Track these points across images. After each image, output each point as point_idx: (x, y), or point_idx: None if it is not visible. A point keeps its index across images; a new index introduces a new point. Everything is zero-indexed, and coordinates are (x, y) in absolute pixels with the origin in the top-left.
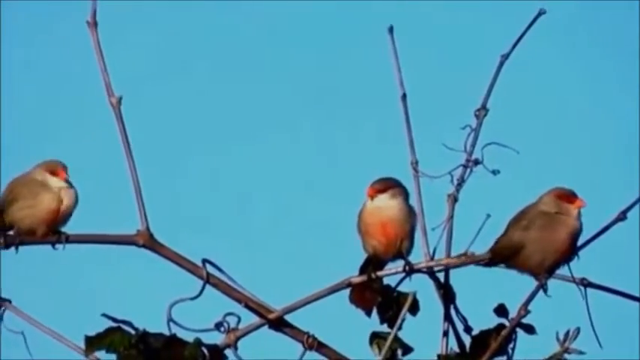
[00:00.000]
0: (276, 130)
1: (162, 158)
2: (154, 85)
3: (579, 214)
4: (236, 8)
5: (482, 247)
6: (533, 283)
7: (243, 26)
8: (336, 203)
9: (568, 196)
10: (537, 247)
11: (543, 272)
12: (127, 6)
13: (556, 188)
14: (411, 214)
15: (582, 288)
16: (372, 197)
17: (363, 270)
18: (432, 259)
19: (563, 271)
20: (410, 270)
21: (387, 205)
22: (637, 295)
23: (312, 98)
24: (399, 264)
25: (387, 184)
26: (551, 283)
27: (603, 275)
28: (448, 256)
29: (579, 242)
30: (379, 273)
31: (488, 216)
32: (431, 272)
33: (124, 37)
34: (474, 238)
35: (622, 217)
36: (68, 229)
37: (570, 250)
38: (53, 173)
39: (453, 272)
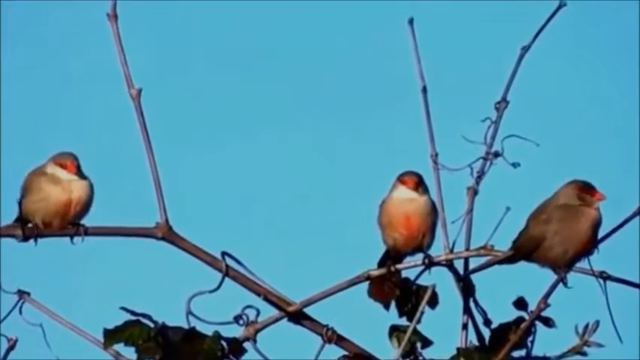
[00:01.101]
0: (298, 124)
1: (181, 150)
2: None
3: (598, 206)
4: (235, 3)
5: (501, 240)
6: (552, 276)
7: (243, 22)
8: (355, 196)
9: (588, 189)
10: (559, 238)
11: (565, 264)
12: (123, 5)
13: (575, 181)
14: (434, 209)
15: (602, 281)
16: (415, 188)
17: (381, 263)
18: (451, 252)
19: (582, 264)
20: (429, 263)
21: (415, 197)
22: None
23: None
24: (418, 257)
25: (420, 178)
26: (571, 276)
27: (623, 269)
28: (467, 248)
29: (599, 235)
30: (398, 266)
31: (508, 209)
32: (450, 265)
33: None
34: (493, 231)
35: None
36: (87, 221)
37: (591, 242)
38: (62, 166)
39: (472, 265)
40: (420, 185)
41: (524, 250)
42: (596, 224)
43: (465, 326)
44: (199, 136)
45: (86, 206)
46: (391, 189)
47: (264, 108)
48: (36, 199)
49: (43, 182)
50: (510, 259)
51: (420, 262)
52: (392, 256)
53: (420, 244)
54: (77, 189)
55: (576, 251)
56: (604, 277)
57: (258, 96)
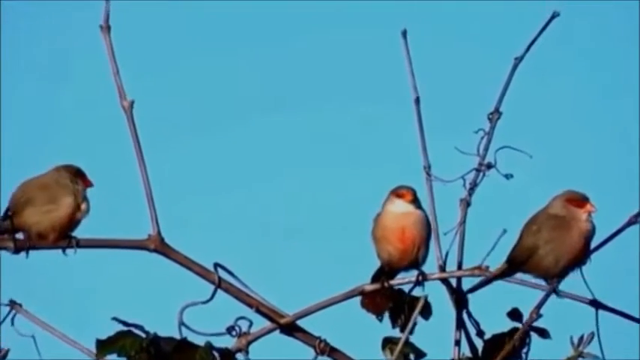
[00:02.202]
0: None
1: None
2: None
3: (590, 217)
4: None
5: (495, 259)
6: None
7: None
8: (348, 210)
9: (577, 200)
10: (550, 247)
11: (557, 274)
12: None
13: (566, 192)
14: (428, 223)
15: (594, 309)
16: (412, 201)
17: (375, 278)
18: (444, 267)
19: (575, 289)
20: (423, 280)
21: (411, 211)
22: None
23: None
24: (412, 273)
25: (415, 192)
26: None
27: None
28: (460, 261)
29: (592, 245)
30: (392, 282)
31: (505, 231)
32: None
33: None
34: (488, 252)
35: (634, 220)
36: (79, 233)
37: (583, 252)
38: (79, 178)
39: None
40: (415, 199)
41: (518, 260)
42: (587, 235)
43: (458, 338)
44: (191, 146)
45: (81, 221)
46: (385, 202)
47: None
48: (41, 210)
49: (56, 192)
50: (504, 273)
51: (414, 278)
52: (386, 272)
53: (415, 258)
54: (85, 204)
55: (568, 260)
56: (596, 305)
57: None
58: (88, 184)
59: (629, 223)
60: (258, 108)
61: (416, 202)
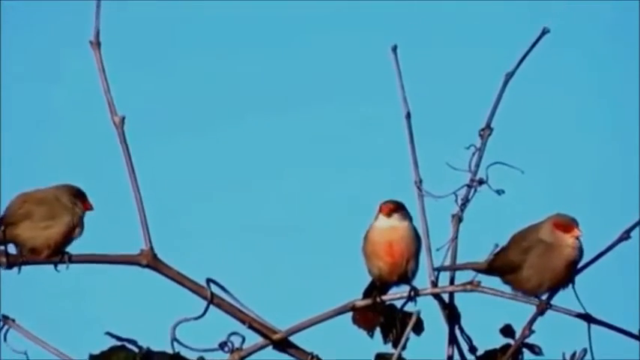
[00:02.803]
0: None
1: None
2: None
3: (578, 241)
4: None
5: None
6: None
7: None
8: (340, 226)
9: (564, 225)
10: (534, 271)
11: (540, 294)
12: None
13: (555, 216)
14: (417, 236)
15: (586, 324)
16: (388, 214)
17: (367, 294)
18: (436, 283)
19: (567, 302)
20: (415, 295)
21: (397, 225)
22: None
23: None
24: (404, 289)
25: (399, 205)
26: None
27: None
28: (452, 276)
29: (585, 260)
30: (383, 297)
31: (497, 246)
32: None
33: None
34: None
35: (625, 236)
36: (71, 249)
37: (566, 277)
38: (79, 199)
39: (457, 297)
40: (397, 212)
41: (499, 270)
42: (572, 262)
43: (450, 354)
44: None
45: (77, 238)
46: (374, 218)
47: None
48: (39, 226)
49: (56, 210)
50: (482, 271)
51: (405, 294)
52: (377, 287)
53: (405, 271)
54: (81, 225)
55: (551, 285)
56: (588, 319)
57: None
58: (87, 207)
59: (621, 239)
60: (254, 109)
61: (399, 215)
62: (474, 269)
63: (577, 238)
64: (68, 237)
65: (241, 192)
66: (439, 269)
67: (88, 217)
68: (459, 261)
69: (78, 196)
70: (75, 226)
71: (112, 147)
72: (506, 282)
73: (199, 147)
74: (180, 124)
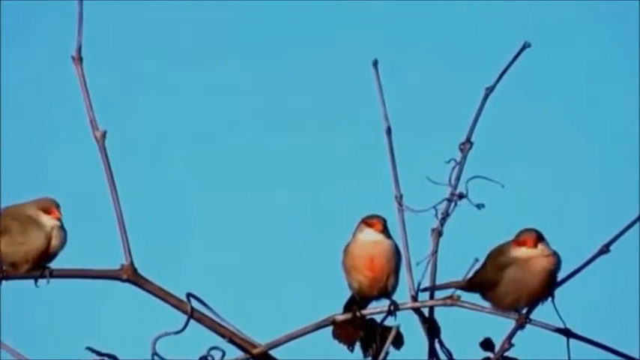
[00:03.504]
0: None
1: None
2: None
3: (550, 252)
4: (207, 19)
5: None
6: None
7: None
8: (320, 240)
9: (517, 240)
10: (511, 288)
11: (519, 309)
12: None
13: (518, 233)
14: (398, 252)
15: (565, 338)
16: (381, 230)
17: (347, 308)
18: (416, 297)
19: (547, 316)
20: (395, 309)
21: (380, 240)
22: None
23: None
24: (384, 303)
25: (384, 220)
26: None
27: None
28: (432, 295)
29: (565, 274)
30: (364, 312)
31: (477, 260)
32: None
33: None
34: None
35: (605, 250)
36: (53, 263)
37: (544, 291)
38: (46, 211)
39: (437, 311)
40: (385, 228)
41: (478, 288)
42: (546, 274)
43: None
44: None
45: (57, 254)
46: (355, 232)
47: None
48: (14, 242)
49: (26, 225)
50: (462, 288)
51: (385, 308)
52: (357, 301)
53: (385, 287)
54: (57, 237)
55: (529, 299)
56: (567, 334)
57: (206, 116)
58: (55, 216)
59: (600, 253)
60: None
61: (386, 231)
62: (456, 287)
63: (528, 248)
64: (45, 251)
65: (221, 207)
66: (422, 290)
67: (70, 232)
68: (439, 275)
69: (45, 208)
70: (49, 239)
71: (94, 161)
72: (485, 299)
73: (181, 161)
74: (169, 139)
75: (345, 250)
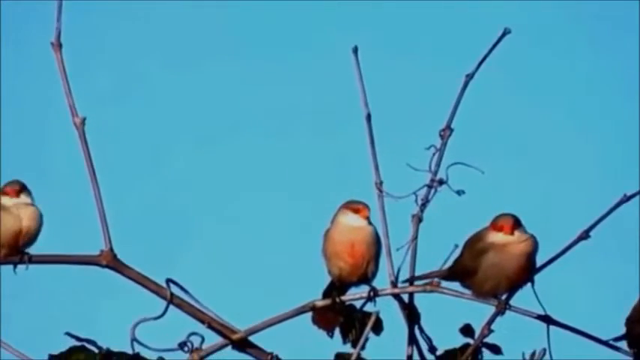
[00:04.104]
0: (238, 145)
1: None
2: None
3: (527, 237)
4: (191, 22)
5: None
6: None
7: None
8: (300, 224)
9: (495, 224)
10: (489, 274)
11: (499, 295)
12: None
13: (495, 218)
14: (378, 238)
15: (545, 325)
16: (368, 216)
17: (326, 294)
18: (396, 283)
19: (527, 303)
20: (374, 295)
21: (363, 226)
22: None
23: (274, 118)
24: (363, 289)
25: (367, 207)
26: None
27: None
28: (412, 276)
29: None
30: (343, 297)
31: (456, 246)
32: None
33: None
34: (440, 267)
35: (585, 236)
36: (31, 249)
37: (522, 276)
38: (5, 193)
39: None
40: (369, 214)
41: (457, 276)
42: (523, 258)
43: (410, 354)
44: (142, 159)
45: (35, 235)
46: (336, 216)
47: (206, 128)
48: None
49: None
50: (444, 278)
51: (365, 294)
52: (337, 287)
53: (365, 273)
54: (26, 216)
55: (508, 285)
56: (547, 321)
57: (202, 115)
58: (12, 194)
59: (580, 239)
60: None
61: (369, 217)
62: (437, 277)
63: (506, 234)
64: (19, 233)
65: (218, 205)
66: (404, 281)
67: (49, 217)
68: (419, 261)
69: (5, 191)
70: (19, 221)
71: (73, 147)
72: (466, 287)
73: (181, 161)
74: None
75: (326, 236)
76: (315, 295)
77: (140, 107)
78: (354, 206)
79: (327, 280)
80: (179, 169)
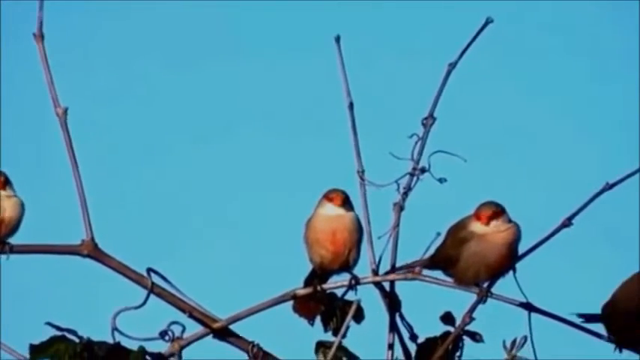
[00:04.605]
0: (218, 137)
1: (108, 168)
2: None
3: (510, 225)
4: (175, 16)
5: None
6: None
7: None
8: (281, 212)
9: (478, 214)
10: (470, 263)
11: (477, 283)
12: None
13: (478, 206)
14: (360, 226)
15: (527, 312)
16: (341, 204)
17: (308, 282)
18: (377, 271)
19: (509, 291)
20: (356, 284)
21: (342, 214)
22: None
23: (255, 107)
24: (344, 277)
25: (347, 195)
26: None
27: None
28: (394, 265)
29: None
30: (324, 286)
31: (438, 234)
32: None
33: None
34: (421, 256)
35: (567, 223)
36: (12, 239)
37: (503, 264)
38: None
39: (398, 285)
40: (346, 202)
41: (439, 264)
42: (505, 247)
43: (391, 342)
44: (126, 151)
45: (16, 226)
46: (317, 206)
47: (191, 122)
48: None
49: None
50: (426, 266)
51: (346, 282)
52: (318, 275)
53: (347, 260)
54: (9, 207)
55: (489, 273)
56: (529, 308)
57: (185, 110)
58: None
59: (562, 226)
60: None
61: (347, 205)
62: (420, 266)
63: (485, 224)
64: (0, 225)
65: (180, 178)
66: (386, 272)
67: (30, 208)
68: (400, 249)
69: None
70: (2, 212)
71: (55, 137)
72: (448, 275)
73: (142, 135)
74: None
75: (307, 224)
76: (296, 283)
77: (137, 105)
78: (329, 195)
79: (308, 268)
80: (174, 165)
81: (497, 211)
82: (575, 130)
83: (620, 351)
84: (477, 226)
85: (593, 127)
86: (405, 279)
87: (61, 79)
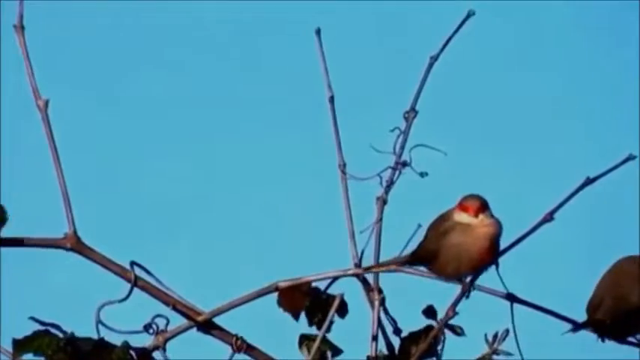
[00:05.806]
0: (199, 133)
1: (91, 160)
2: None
3: (492, 220)
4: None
5: None
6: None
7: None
8: (262, 205)
9: (461, 206)
10: (451, 256)
11: (461, 278)
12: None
13: (462, 199)
14: None
15: (509, 303)
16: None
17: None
18: (360, 265)
19: (492, 283)
20: (338, 276)
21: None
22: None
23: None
24: (333, 269)
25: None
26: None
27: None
28: (377, 258)
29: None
30: (307, 278)
31: (420, 226)
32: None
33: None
34: (403, 248)
35: (549, 218)
36: None
37: (486, 258)
38: None
39: (382, 275)
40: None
41: (421, 260)
42: (488, 240)
43: (374, 335)
44: (109, 143)
45: None
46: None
47: (174, 116)
48: None
49: None
50: (407, 262)
51: (330, 274)
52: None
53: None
54: None
55: (470, 267)
56: (511, 299)
57: (168, 105)
58: None
59: (544, 221)
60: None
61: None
62: (402, 263)
63: (471, 216)
64: None
65: (163, 172)
66: (366, 269)
67: (12, 202)
68: (383, 243)
69: None
70: None
71: (36, 130)
72: (430, 270)
73: (125, 128)
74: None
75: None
76: (279, 276)
77: (121, 97)
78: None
79: (293, 261)
80: (157, 158)
81: (484, 204)
82: (561, 123)
83: (603, 340)
84: (462, 217)
85: (578, 119)
86: (389, 271)
87: (42, 70)
